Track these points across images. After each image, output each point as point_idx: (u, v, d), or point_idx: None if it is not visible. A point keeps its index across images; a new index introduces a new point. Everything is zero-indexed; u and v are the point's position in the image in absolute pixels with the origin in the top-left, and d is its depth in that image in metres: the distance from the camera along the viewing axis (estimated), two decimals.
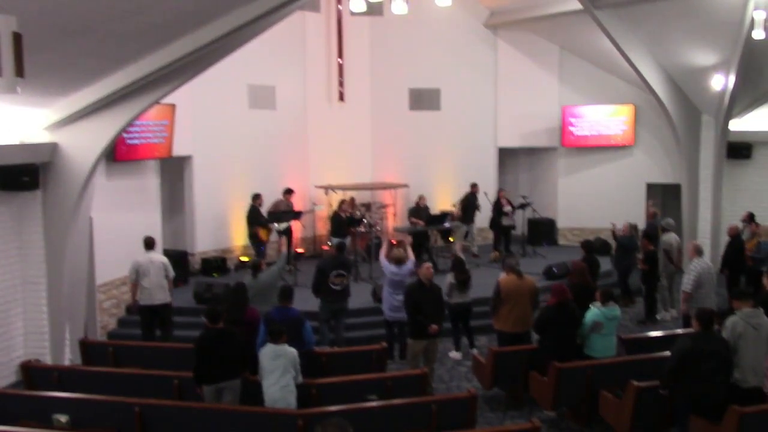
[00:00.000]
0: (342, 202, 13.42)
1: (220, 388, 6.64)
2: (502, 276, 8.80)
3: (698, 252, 9.34)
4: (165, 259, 9.55)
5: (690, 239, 13.11)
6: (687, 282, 9.05)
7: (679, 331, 8.59)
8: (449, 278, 9.45)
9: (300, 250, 13.93)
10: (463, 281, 9.38)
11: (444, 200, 15.08)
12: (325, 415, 6.14)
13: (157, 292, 9.31)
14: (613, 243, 12.65)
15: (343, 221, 12.87)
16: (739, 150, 14.23)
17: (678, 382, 6.22)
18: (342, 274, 9.25)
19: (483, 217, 14.58)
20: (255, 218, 12.67)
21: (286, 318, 7.21)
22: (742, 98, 13.27)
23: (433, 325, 8.18)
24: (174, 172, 12.99)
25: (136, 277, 9.29)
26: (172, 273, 9.55)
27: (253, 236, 12.71)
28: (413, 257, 9.67)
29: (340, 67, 14.88)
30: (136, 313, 9.76)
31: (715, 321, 7.11)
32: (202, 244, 13.24)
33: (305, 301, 9.37)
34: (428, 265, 8.68)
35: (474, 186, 14.32)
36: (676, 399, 6.33)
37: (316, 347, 8.35)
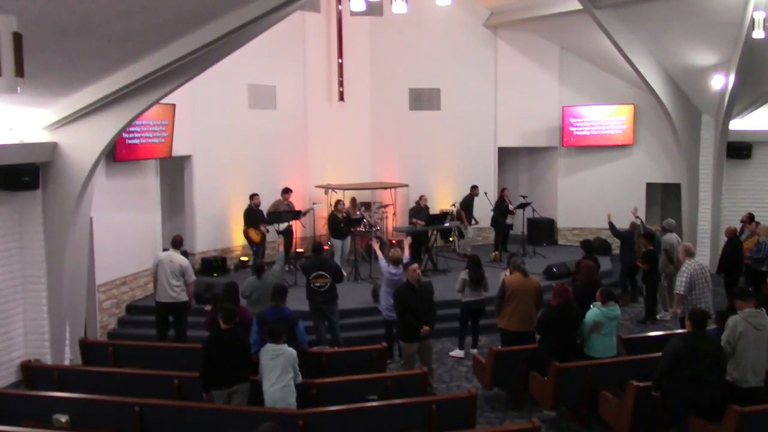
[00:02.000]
0: (338, 202, 13.31)
1: (231, 391, 6.58)
2: (508, 275, 8.81)
3: (689, 253, 9.20)
4: (185, 262, 9.48)
5: (690, 239, 13.10)
6: (679, 284, 8.88)
7: (679, 331, 8.57)
8: (463, 275, 9.45)
9: (300, 250, 13.93)
10: (476, 279, 9.38)
11: (444, 200, 15.10)
12: (324, 415, 6.16)
13: (169, 290, 9.30)
14: (612, 242, 12.62)
15: (340, 221, 12.86)
16: (739, 150, 14.23)
17: (671, 383, 6.22)
18: (322, 275, 9.17)
19: (483, 217, 14.60)
20: (247, 219, 12.64)
21: (279, 317, 7.18)
22: (742, 98, 13.29)
23: (425, 326, 8.11)
24: (174, 172, 12.99)
25: (156, 271, 9.39)
26: (191, 277, 9.49)
27: (245, 236, 12.71)
28: (407, 254, 9.60)
29: (340, 67, 14.88)
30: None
31: (714, 321, 7.09)
32: (202, 244, 13.24)
33: (303, 301, 9.35)
34: (415, 266, 8.50)
35: (473, 188, 14.33)
36: (672, 400, 6.33)
37: (314, 348, 8.35)
